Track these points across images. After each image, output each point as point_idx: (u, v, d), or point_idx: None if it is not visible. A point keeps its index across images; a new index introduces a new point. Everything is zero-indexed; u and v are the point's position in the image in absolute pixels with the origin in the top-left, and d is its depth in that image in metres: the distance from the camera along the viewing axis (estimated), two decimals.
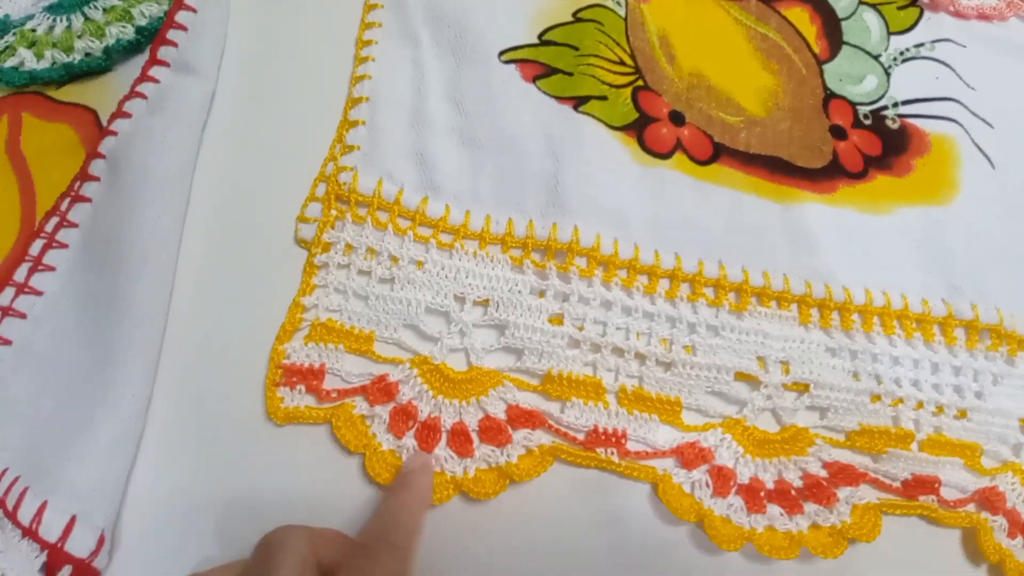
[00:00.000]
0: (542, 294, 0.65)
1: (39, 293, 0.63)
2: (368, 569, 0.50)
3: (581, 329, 0.64)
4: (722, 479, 0.62)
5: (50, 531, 0.54)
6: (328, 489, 0.58)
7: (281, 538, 0.50)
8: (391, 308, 0.63)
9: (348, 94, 0.73)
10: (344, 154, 0.70)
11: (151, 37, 0.75)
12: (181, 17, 0.71)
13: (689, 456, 0.62)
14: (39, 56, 0.75)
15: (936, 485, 0.64)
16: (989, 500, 0.65)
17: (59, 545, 0.54)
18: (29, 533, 0.54)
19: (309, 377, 0.60)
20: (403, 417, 0.59)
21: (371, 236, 0.65)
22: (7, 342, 0.61)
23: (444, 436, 0.60)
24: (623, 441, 0.61)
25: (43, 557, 0.54)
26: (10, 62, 0.75)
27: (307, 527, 0.53)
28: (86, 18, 0.77)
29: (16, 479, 0.56)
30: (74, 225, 0.65)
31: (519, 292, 0.65)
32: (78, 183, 0.67)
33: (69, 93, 0.75)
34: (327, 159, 0.70)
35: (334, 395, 0.60)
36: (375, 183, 0.67)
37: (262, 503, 0.57)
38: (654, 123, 0.76)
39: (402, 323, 0.63)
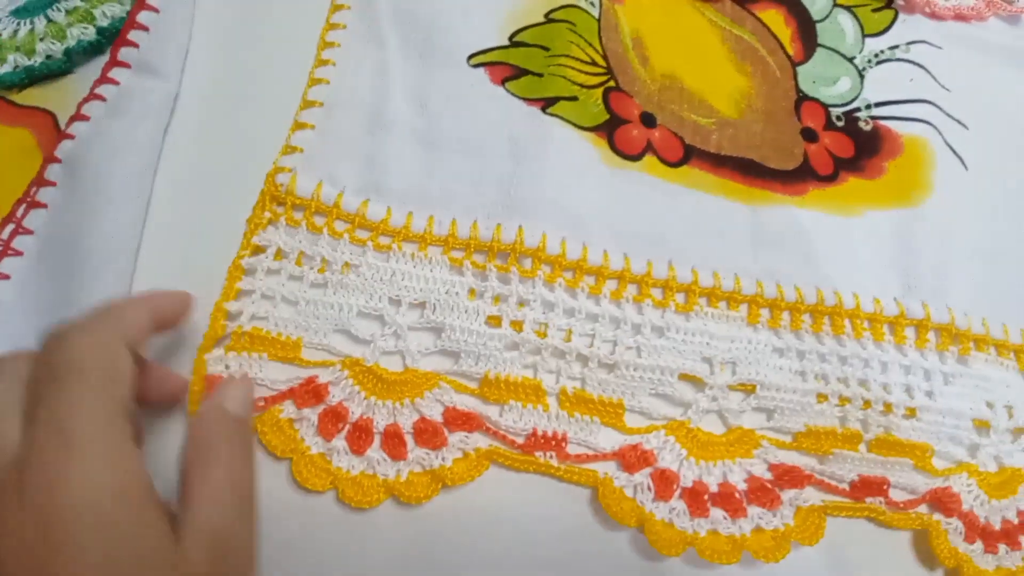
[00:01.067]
0: (480, 295, 0.65)
1: None
2: (237, 457, 0.49)
3: (520, 330, 0.63)
4: (664, 482, 0.61)
5: None
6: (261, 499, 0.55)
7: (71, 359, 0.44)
8: (321, 313, 0.62)
9: (302, 96, 0.73)
10: (285, 154, 0.69)
11: (112, 38, 0.74)
12: (143, 17, 0.71)
13: (631, 459, 0.61)
14: (2, 60, 0.75)
15: (884, 486, 0.63)
16: (942, 501, 0.64)
17: None
18: None
19: None
20: (333, 419, 0.59)
21: (304, 240, 0.65)
22: None
23: (377, 438, 0.59)
24: (563, 444, 0.61)
25: None
26: None
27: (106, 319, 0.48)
28: (49, 20, 0.77)
29: None
30: (29, 232, 0.65)
31: (456, 294, 0.64)
32: (34, 189, 0.67)
33: (29, 97, 0.75)
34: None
35: (260, 404, 0.59)
36: (314, 186, 0.67)
37: None
38: (625, 125, 0.76)
39: (332, 328, 0.62)
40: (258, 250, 0.64)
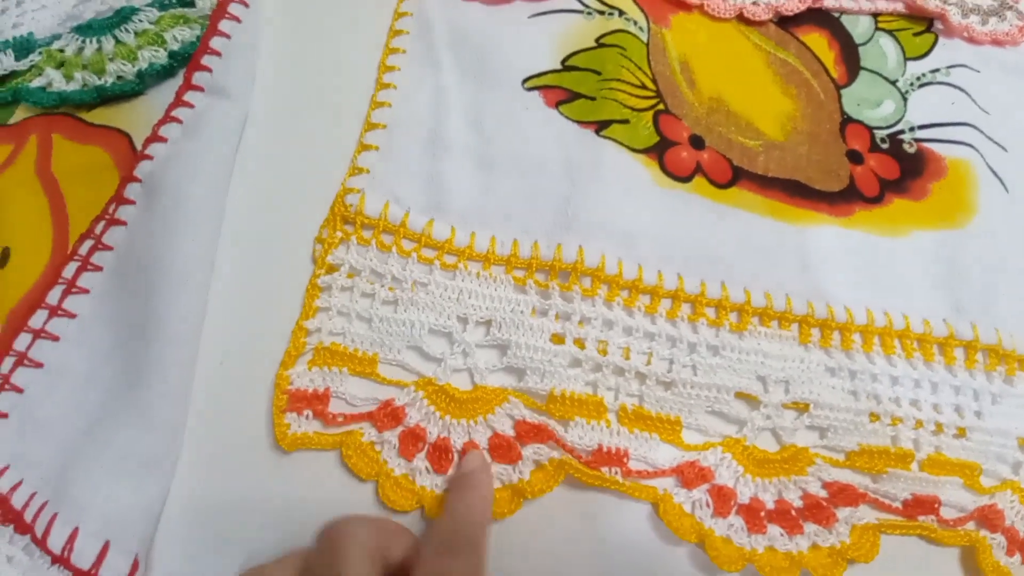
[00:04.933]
0: (544, 313, 0.66)
1: (73, 315, 0.64)
2: (447, 569, 0.51)
3: (583, 348, 0.65)
4: (722, 499, 0.62)
5: (83, 558, 0.55)
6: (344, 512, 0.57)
7: (347, 529, 0.51)
8: (394, 330, 0.64)
9: (366, 118, 0.75)
10: (353, 175, 0.71)
11: (184, 62, 0.76)
12: (215, 43, 0.73)
13: (689, 475, 0.63)
14: (68, 77, 0.76)
15: (936, 505, 0.64)
16: (988, 518, 0.65)
17: (93, 572, 0.54)
18: (60, 560, 0.55)
19: (315, 402, 0.61)
20: (412, 440, 0.60)
21: (375, 258, 0.66)
22: (39, 365, 0.62)
23: (456, 456, 0.61)
24: (625, 460, 0.62)
25: None
26: (37, 82, 0.76)
27: (371, 518, 0.54)
28: (117, 41, 0.78)
29: (45, 504, 0.57)
30: (109, 248, 0.66)
31: (521, 312, 0.66)
32: (113, 206, 0.68)
33: (100, 116, 0.76)
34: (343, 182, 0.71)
35: (340, 419, 0.61)
36: (381, 206, 0.69)
37: (284, 528, 0.58)
38: (674, 147, 0.77)
39: (405, 344, 0.64)
40: (332, 269, 0.66)
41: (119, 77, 0.76)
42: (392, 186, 0.71)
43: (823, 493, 0.64)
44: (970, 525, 0.65)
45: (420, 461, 0.60)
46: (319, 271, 0.65)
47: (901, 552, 0.64)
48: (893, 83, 0.86)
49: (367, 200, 0.69)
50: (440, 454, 0.60)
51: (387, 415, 0.61)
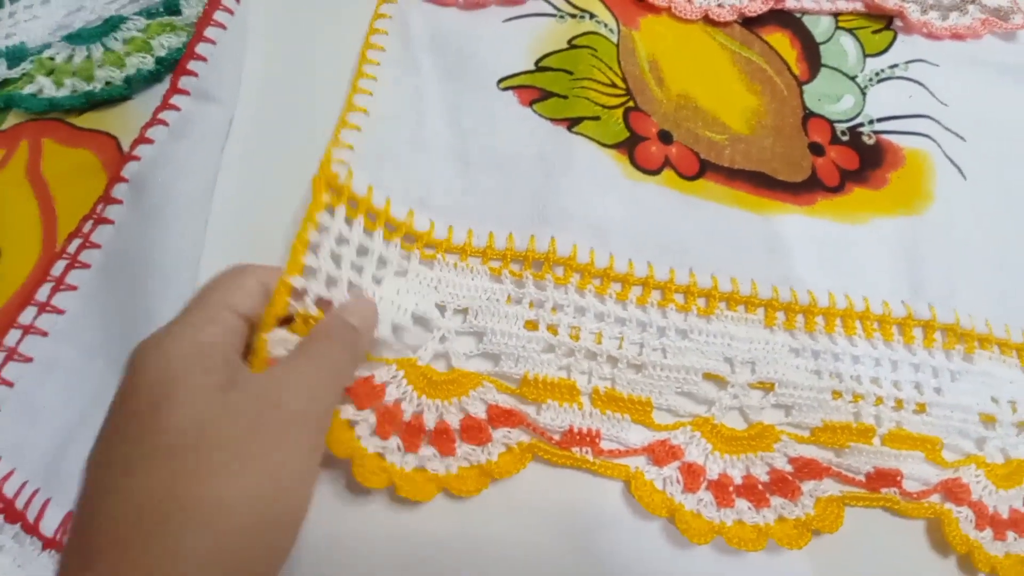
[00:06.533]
0: (518, 301, 0.68)
1: (61, 312, 0.66)
2: (326, 350, 0.54)
3: (555, 334, 0.67)
4: (692, 475, 0.64)
5: None
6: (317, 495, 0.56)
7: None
8: (380, 307, 0.64)
9: (347, 100, 0.76)
10: (337, 147, 0.71)
11: (170, 67, 0.78)
12: (201, 48, 0.75)
13: (660, 454, 0.65)
14: (59, 84, 0.79)
15: (898, 478, 0.66)
16: (952, 491, 0.67)
17: None
18: (52, 544, 0.57)
19: None
20: (389, 418, 0.61)
21: (359, 235, 0.66)
22: (28, 359, 0.64)
23: (427, 435, 0.62)
24: (597, 440, 0.64)
25: None
26: (28, 89, 0.79)
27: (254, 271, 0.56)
28: (106, 48, 0.81)
29: (36, 491, 0.59)
30: (96, 246, 0.68)
31: (496, 300, 0.68)
32: (101, 206, 0.70)
33: (89, 120, 0.78)
34: None
35: None
36: (366, 187, 0.69)
37: None
38: (644, 142, 0.80)
39: (389, 324, 0.64)
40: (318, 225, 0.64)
41: (107, 83, 0.78)
42: (376, 171, 0.71)
43: (789, 468, 0.66)
44: (936, 499, 0.68)
45: (393, 440, 0.61)
46: (309, 225, 0.62)
47: (867, 527, 0.66)
48: (852, 79, 0.89)
49: (354, 174, 0.69)
50: (413, 433, 0.62)
51: (367, 392, 0.60)
